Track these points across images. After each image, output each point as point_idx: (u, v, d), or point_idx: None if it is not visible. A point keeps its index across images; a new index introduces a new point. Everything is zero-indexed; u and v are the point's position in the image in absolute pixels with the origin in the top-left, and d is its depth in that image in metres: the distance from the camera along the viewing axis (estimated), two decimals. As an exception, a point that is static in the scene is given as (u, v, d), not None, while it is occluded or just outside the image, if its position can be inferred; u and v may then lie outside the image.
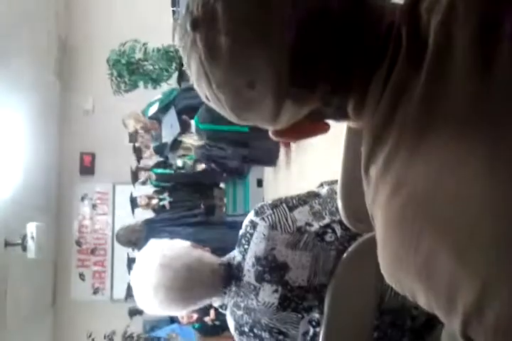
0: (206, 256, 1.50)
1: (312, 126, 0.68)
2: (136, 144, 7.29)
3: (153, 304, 1.41)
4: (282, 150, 6.16)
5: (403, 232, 0.57)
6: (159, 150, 6.88)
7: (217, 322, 6.10)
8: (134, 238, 6.02)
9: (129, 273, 6.24)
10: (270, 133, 0.69)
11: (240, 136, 5.67)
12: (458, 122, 0.54)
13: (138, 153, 7.31)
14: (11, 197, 6.33)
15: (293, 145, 5.86)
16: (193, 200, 7.63)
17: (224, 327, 6.26)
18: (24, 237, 5.90)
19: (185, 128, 5.93)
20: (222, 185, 7.91)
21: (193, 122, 5.80)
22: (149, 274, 1.40)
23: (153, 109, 6.43)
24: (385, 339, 1.50)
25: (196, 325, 6.30)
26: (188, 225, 6.13)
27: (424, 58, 0.56)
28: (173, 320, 6.75)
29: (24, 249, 5.92)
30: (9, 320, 6.39)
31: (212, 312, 5.95)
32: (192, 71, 0.62)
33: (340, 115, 0.65)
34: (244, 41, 0.56)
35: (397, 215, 0.57)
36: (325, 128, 0.69)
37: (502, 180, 0.50)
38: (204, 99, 0.65)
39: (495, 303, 0.50)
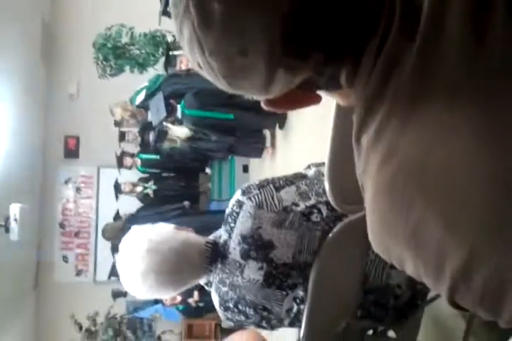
0: (191, 237, 1.51)
1: (304, 96, 0.68)
2: (122, 129, 7.25)
3: (143, 289, 1.42)
4: (268, 138, 6.19)
5: (393, 201, 0.58)
6: (143, 129, 6.85)
7: (200, 304, 6.15)
8: (119, 234, 6.04)
9: (113, 256, 6.23)
10: (262, 103, 0.69)
11: (226, 124, 5.66)
12: (450, 93, 0.54)
13: (122, 137, 7.29)
14: (-5, 179, 6.28)
15: (279, 135, 5.91)
16: (177, 190, 7.63)
17: (208, 308, 6.33)
18: (7, 219, 5.86)
19: (171, 112, 5.90)
20: (208, 171, 7.92)
21: (179, 107, 5.77)
22: (136, 260, 1.40)
23: (140, 97, 6.39)
24: (369, 317, 1.54)
25: (180, 307, 6.35)
26: (171, 218, 6.10)
27: (417, 29, 0.56)
28: (156, 301, 6.79)
29: (7, 230, 5.88)
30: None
31: (195, 293, 5.99)
32: (184, 38, 0.61)
33: (333, 85, 0.65)
34: (238, 8, 0.56)
35: (388, 184, 0.58)
36: (317, 99, 0.69)
37: (492, 151, 0.51)
38: (196, 67, 0.64)
39: (482, 269, 0.52)
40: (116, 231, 5.95)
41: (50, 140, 8.73)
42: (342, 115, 1.29)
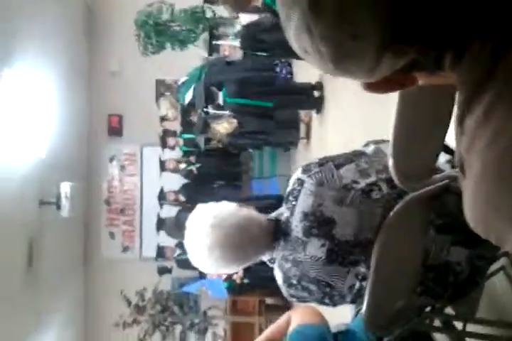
0: (253, 214, 1.55)
1: (404, 77, 0.69)
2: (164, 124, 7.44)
3: (209, 263, 1.48)
4: (303, 130, 6.28)
5: (501, 180, 0.59)
6: (184, 111, 6.93)
7: (245, 280, 6.26)
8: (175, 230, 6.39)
9: (158, 232, 6.41)
10: (361, 86, 0.71)
11: (264, 112, 5.83)
12: None
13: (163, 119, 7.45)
14: (45, 158, 6.46)
15: (314, 121, 6.00)
16: (220, 167, 7.76)
17: (253, 285, 6.45)
18: (58, 196, 6.05)
19: (212, 98, 6.05)
20: (249, 149, 7.97)
21: (220, 94, 5.92)
22: (202, 235, 1.47)
23: (189, 96, 6.46)
24: (428, 294, 1.54)
25: (226, 284, 6.47)
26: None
27: None
28: (202, 276, 6.93)
29: (58, 207, 6.08)
30: (43, 276, 6.62)
31: (240, 270, 6.09)
32: (291, 25, 0.63)
33: (435, 66, 0.66)
34: None
35: (496, 163, 0.60)
36: (415, 80, 0.70)
37: None
38: (301, 52, 0.66)
39: None
40: (174, 229, 6.29)
41: (94, 118, 8.88)
42: (407, 98, 1.30)
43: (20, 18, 5.87)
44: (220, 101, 5.97)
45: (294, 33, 0.64)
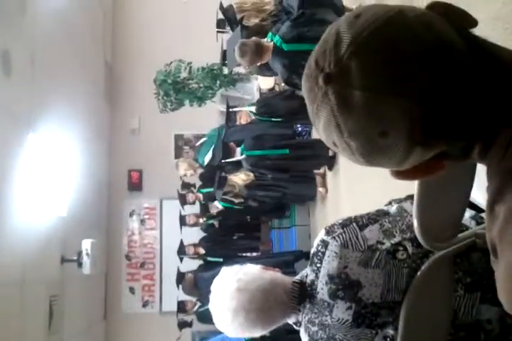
0: (278, 276, 1.56)
1: (432, 165, 0.70)
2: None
3: (233, 326, 1.48)
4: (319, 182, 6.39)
5: None
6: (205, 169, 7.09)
7: (267, 334, 6.12)
8: (193, 290, 6.54)
9: (178, 286, 6.29)
10: (390, 173, 0.73)
11: (282, 162, 5.98)
12: None
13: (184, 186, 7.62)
14: (66, 216, 6.54)
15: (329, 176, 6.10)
16: (240, 220, 7.80)
17: (274, 339, 6.28)
18: (80, 254, 6.07)
19: (229, 153, 6.22)
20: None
21: (238, 150, 6.11)
22: (227, 299, 1.47)
23: (208, 157, 6.62)
24: (460, 354, 1.51)
25: (247, 338, 6.33)
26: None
27: None
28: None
29: (80, 265, 6.08)
30: (65, 334, 6.56)
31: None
32: (321, 120, 0.65)
33: (464, 157, 0.68)
34: (379, 95, 0.59)
35: None
36: (443, 167, 0.71)
37: None
38: (330, 145, 0.68)
39: None
40: (191, 288, 6.39)
41: (115, 174, 9.02)
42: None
43: (44, 83, 6.09)
44: (238, 156, 6.10)
45: (323, 128, 0.66)
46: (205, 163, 6.64)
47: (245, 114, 6.42)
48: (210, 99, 7.60)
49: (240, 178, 6.40)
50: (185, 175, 6.95)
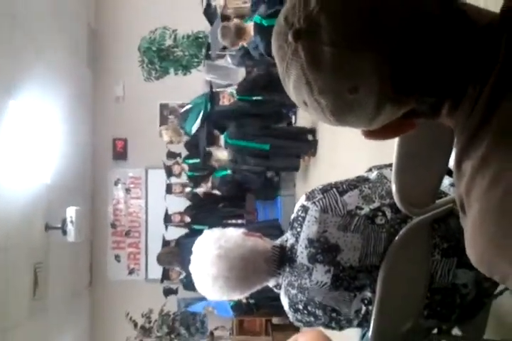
0: (259, 243, 1.57)
1: (402, 124, 0.71)
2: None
3: (213, 291, 1.51)
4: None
5: (503, 224, 0.61)
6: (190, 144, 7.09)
7: (251, 300, 6.23)
8: (173, 260, 6.49)
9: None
10: (361, 133, 0.73)
11: (262, 153, 6.14)
12: None
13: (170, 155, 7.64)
14: (51, 182, 6.51)
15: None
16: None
17: (258, 305, 6.41)
18: (64, 221, 6.07)
19: (214, 141, 6.35)
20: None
21: (222, 137, 6.20)
22: (207, 264, 1.49)
23: (195, 127, 6.59)
24: (435, 317, 1.55)
25: (231, 303, 6.43)
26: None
27: None
28: (207, 296, 6.87)
29: (64, 232, 6.09)
30: (49, 301, 6.62)
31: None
32: (291, 79, 0.64)
33: (433, 114, 0.68)
34: (349, 51, 0.59)
35: (497, 206, 0.61)
36: (413, 125, 0.72)
37: None
38: (300, 105, 0.68)
39: None
40: (171, 257, 6.39)
41: (99, 143, 8.96)
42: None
43: (24, 48, 5.97)
44: (222, 142, 6.27)
45: (293, 86, 0.65)
46: (193, 131, 6.60)
47: (228, 95, 6.49)
48: (195, 68, 7.51)
49: (223, 154, 6.53)
50: (171, 141, 6.89)
